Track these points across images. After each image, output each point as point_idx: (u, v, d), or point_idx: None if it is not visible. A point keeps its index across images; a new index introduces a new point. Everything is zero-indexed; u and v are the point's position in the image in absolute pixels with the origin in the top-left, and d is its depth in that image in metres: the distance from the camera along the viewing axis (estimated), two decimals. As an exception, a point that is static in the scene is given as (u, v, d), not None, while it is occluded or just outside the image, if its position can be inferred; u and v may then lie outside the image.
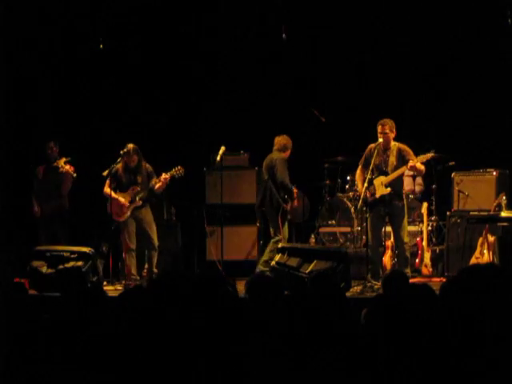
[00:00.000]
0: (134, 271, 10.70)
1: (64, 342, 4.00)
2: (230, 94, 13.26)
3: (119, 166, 10.69)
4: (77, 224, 11.52)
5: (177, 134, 13.00)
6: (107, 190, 10.69)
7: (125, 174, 10.71)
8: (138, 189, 10.65)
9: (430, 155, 10.00)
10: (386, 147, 10.02)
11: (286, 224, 11.00)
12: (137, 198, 10.64)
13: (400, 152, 10.03)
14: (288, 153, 11.02)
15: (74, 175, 11.09)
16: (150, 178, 10.71)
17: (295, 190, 10.86)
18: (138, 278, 10.72)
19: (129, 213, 10.64)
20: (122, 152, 10.64)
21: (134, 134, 11.62)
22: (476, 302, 3.03)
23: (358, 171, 10.27)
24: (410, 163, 9.82)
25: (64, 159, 11.20)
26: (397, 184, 10.06)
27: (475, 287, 3.08)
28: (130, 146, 10.64)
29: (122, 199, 10.62)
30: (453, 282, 3.19)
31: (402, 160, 9.97)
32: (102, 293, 4.41)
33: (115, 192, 10.66)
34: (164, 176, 10.60)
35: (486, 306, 3.02)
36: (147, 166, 10.79)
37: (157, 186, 10.62)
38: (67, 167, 11.09)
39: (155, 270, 10.65)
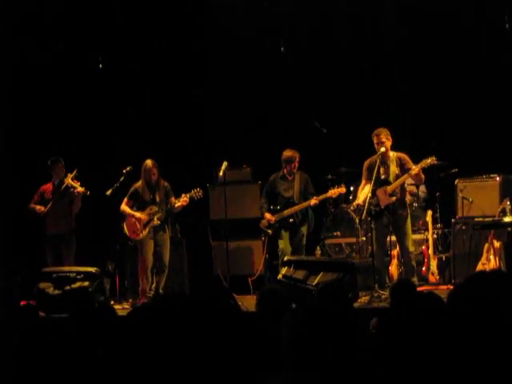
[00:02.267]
0: (148, 289, 10.71)
1: (72, 362, 4.00)
2: (231, 110, 13.28)
3: (138, 184, 10.77)
4: (82, 243, 11.51)
5: (179, 151, 13.02)
6: (125, 207, 10.77)
7: (145, 192, 10.78)
8: (156, 209, 10.71)
9: (430, 161, 9.91)
10: (384, 157, 10.03)
11: (287, 237, 11.03)
12: (155, 218, 10.70)
13: (400, 161, 10.06)
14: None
15: (88, 193, 11.01)
16: (168, 196, 10.80)
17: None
18: (151, 293, 10.72)
19: (146, 232, 10.70)
20: (125, 170, 10.74)
21: (137, 152, 11.65)
22: (484, 310, 3.03)
23: (362, 185, 10.28)
24: (414, 171, 9.80)
25: (70, 175, 11.12)
26: (400, 192, 10.07)
27: (482, 294, 3.08)
28: (149, 161, 10.74)
29: (138, 214, 10.68)
30: (459, 289, 3.20)
31: (403, 168, 10.00)
32: (112, 311, 4.42)
33: (132, 210, 10.79)
34: (184, 198, 10.71)
35: (493, 313, 3.02)
36: (165, 183, 10.87)
37: (177, 205, 10.71)
38: (78, 186, 11.00)
39: (161, 292, 10.65)
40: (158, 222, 10.73)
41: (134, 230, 10.74)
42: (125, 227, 10.86)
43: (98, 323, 4.27)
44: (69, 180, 11.05)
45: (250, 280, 11.18)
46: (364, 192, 10.03)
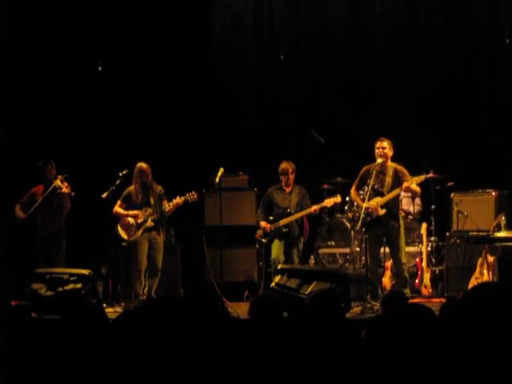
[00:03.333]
0: (141, 292, 10.72)
1: (63, 363, 4.01)
2: (228, 116, 13.31)
3: (131, 188, 10.81)
4: (76, 246, 11.51)
5: (175, 156, 13.02)
6: (118, 209, 10.84)
7: (138, 196, 10.81)
8: (151, 211, 10.75)
9: (423, 177, 10.00)
10: (381, 167, 10.04)
11: (281, 246, 11.05)
12: (149, 220, 10.73)
13: (396, 173, 10.06)
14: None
15: (73, 194, 11.07)
16: (162, 200, 10.82)
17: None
18: (145, 297, 10.71)
19: (140, 233, 10.73)
20: (121, 173, 10.78)
21: (132, 155, 11.66)
22: (476, 324, 3.04)
23: (353, 191, 10.32)
24: (405, 184, 9.86)
25: (60, 177, 11.15)
26: (393, 205, 10.07)
27: (476, 308, 3.09)
28: (144, 164, 10.79)
29: (131, 213, 10.75)
30: (454, 303, 3.20)
31: (398, 181, 10.01)
32: (103, 314, 4.43)
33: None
34: (177, 200, 10.74)
35: (486, 327, 3.03)
36: (159, 187, 10.91)
37: (167, 209, 10.74)
38: (65, 187, 11.06)
39: (154, 296, 10.65)
40: (152, 224, 10.77)
41: (128, 230, 10.79)
42: (119, 228, 10.90)
43: (90, 325, 4.27)
44: (57, 182, 11.09)
45: (246, 292, 11.15)
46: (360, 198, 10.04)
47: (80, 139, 12.91)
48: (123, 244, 10.93)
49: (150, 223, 10.77)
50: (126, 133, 13.05)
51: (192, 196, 10.78)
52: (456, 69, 12.55)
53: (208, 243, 11.82)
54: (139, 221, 10.78)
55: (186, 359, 3.63)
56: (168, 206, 10.76)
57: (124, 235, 10.84)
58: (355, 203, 11.11)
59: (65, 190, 11.03)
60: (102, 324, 4.24)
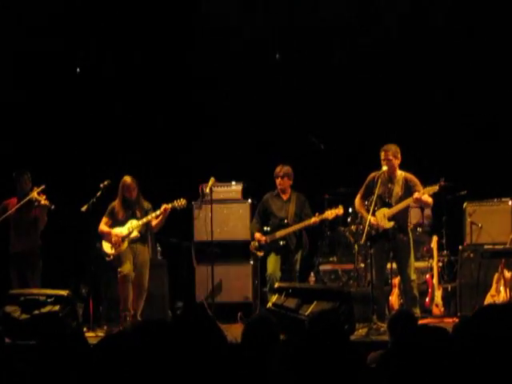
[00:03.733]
0: (129, 306, 10.65)
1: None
2: (220, 121, 13.31)
3: (116, 203, 10.79)
4: (53, 264, 11.47)
5: (162, 165, 13.03)
6: (103, 227, 10.81)
7: (122, 210, 10.79)
8: (137, 223, 10.73)
9: (436, 187, 9.93)
10: (390, 176, 10.02)
11: (277, 261, 11.02)
12: (135, 231, 10.70)
13: (406, 182, 10.01)
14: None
15: (52, 207, 11.02)
16: (148, 215, 10.79)
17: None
18: (132, 312, 10.66)
19: (125, 245, 10.72)
20: (102, 185, 10.73)
21: (114, 166, 11.66)
22: (493, 347, 3.03)
23: (357, 201, 10.28)
24: (416, 195, 9.79)
25: (37, 189, 11.11)
26: (401, 217, 10.03)
27: (491, 330, 3.07)
28: (128, 178, 10.75)
29: (116, 231, 10.72)
30: (467, 323, 3.18)
31: (408, 191, 9.94)
32: (83, 339, 4.40)
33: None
34: (165, 206, 10.66)
35: (504, 350, 3.02)
36: (146, 202, 10.89)
37: (154, 222, 10.70)
38: (43, 199, 11.03)
39: (139, 319, 10.61)
40: (138, 235, 10.74)
41: (113, 244, 10.74)
42: (103, 242, 10.85)
43: (69, 351, 4.24)
44: (34, 194, 11.05)
45: (240, 314, 11.09)
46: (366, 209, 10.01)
47: (57, 148, 12.92)
48: (107, 259, 10.88)
49: (135, 234, 10.75)
50: (108, 140, 13.04)
51: (180, 202, 10.71)
52: (466, 72, 12.59)
53: (198, 260, 11.81)
54: (124, 233, 10.75)
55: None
56: (155, 220, 10.71)
57: (108, 249, 10.80)
58: (359, 215, 11.09)
59: (44, 202, 10.99)
60: (81, 350, 4.21)
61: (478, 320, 3.17)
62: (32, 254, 11.13)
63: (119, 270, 10.70)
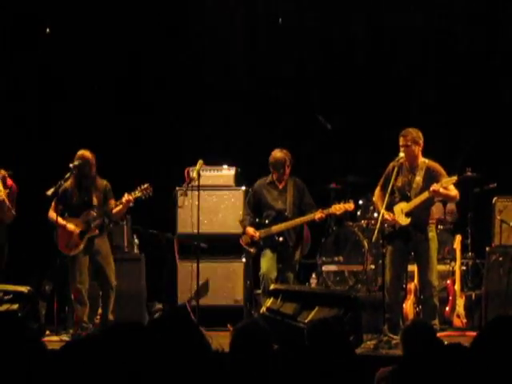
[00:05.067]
0: (85, 318, 10.66)
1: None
2: (212, 96, 13.30)
3: (68, 182, 10.66)
4: (12, 257, 11.46)
5: (141, 145, 13.04)
6: (52, 214, 10.68)
7: (76, 193, 10.69)
8: (94, 214, 10.62)
9: (455, 178, 9.88)
10: (411, 165, 9.99)
11: (273, 260, 11.01)
12: (92, 226, 10.62)
13: (429, 171, 9.96)
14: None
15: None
16: (108, 198, 10.69)
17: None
18: (91, 326, 10.69)
19: (82, 245, 10.61)
20: (72, 165, 10.59)
21: (86, 144, 11.65)
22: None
23: (377, 192, 10.24)
24: (433, 187, 9.73)
25: (3, 172, 11.04)
26: (420, 213, 9.98)
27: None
28: (86, 153, 10.59)
29: (71, 226, 10.60)
30: (484, 337, 3.19)
31: (431, 182, 9.89)
32: (40, 344, 4.39)
33: (63, 216, 10.65)
34: (126, 198, 10.54)
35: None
36: (104, 181, 10.77)
37: (115, 210, 10.61)
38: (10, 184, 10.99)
39: (111, 317, 10.64)
40: (97, 232, 10.66)
41: (67, 243, 10.64)
42: (55, 239, 10.78)
43: (29, 357, 4.25)
44: None
45: (228, 326, 11.01)
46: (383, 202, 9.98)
47: (22, 125, 12.95)
48: (56, 261, 10.86)
49: (94, 231, 10.64)
50: (77, 115, 13.06)
51: (145, 190, 10.56)
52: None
53: (181, 255, 11.82)
54: (78, 230, 10.62)
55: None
56: (117, 206, 10.63)
57: (62, 248, 10.70)
58: (370, 208, 11.09)
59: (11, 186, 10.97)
60: (40, 356, 4.22)
61: (493, 332, 3.17)
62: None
63: (72, 281, 10.67)
